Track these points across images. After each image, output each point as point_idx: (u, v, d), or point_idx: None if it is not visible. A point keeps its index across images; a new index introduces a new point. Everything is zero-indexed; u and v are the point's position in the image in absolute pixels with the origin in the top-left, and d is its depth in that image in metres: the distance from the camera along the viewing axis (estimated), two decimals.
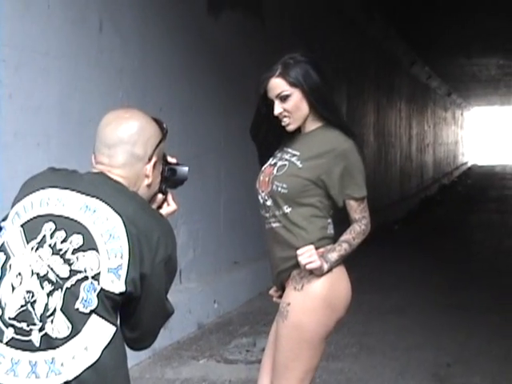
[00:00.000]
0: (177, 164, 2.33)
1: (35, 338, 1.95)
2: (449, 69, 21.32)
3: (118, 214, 2.01)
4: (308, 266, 2.87)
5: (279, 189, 2.95)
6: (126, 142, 2.14)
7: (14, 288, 1.98)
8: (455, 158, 33.28)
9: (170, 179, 2.30)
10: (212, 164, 7.09)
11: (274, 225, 3.00)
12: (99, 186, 2.07)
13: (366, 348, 5.89)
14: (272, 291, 3.19)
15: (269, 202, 3.00)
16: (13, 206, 2.13)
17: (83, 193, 2.05)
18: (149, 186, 2.19)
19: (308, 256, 2.87)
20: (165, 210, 2.30)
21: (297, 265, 2.94)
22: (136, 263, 1.99)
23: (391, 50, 16.35)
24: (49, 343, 1.94)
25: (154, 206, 2.27)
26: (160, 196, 2.28)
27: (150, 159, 2.17)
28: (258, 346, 5.71)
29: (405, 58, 18.04)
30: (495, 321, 6.66)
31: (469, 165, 38.74)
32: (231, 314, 6.99)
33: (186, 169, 2.33)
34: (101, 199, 2.03)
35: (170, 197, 2.32)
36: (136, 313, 2.07)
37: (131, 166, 2.14)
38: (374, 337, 6.22)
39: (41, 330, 1.95)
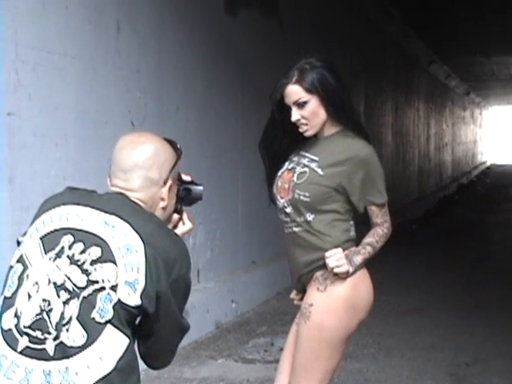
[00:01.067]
0: (191, 182, 2.34)
1: (50, 346, 1.94)
2: (468, 68, 21.21)
3: (137, 232, 2.03)
4: (336, 270, 2.88)
5: (301, 197, 2.93)
6: (141, 166, 2.15)
7: (30, 296, 1.99)
8: (474, 158, 33.11)
9: (185, 199, 2.31)
10: (229, 164, 7.09)
11: (295, 229, 2.98)
12: (118, 205, 2.09)
13: (384, 348, 5.88)
14: (293, 295, 3.17)
15: (289, 209, 2.98)
16: (32, 222, 2.14)
17: (102, 210, 2.07)
18: (164, 208, 2.21)
19: (336, 259, 2.88)
20: (180, 230, 2.31)
21: (320, 267, 2.94)
22: (153, 281, 2.00)
23: (409, 49, 16.29)
24: (64, 352, 1.94)
25: (170, 226, 2.28)
26: (175, 216, 2.30)
27: (165, 183, 2.18)
28: (276, 346, 5.72)
29: (423, 56, 17.97)
30: None
31: (488, 164, 38.51)
32: (249, 314, 6.99)
33: (200, 188, 2.34)
34: (120, 217, 2.05)
35: (185, 216, 2.33)
36: (154, 332, 2.09)
37: (147, 189, 2.16)
38: (392, 337, 6.20)
39: (55, 338, 1.95)
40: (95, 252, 2.00)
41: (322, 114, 2.96)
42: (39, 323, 1.96)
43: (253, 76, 7.50)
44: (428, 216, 15.78)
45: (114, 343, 1.95)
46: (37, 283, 2.00)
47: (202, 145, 6.44)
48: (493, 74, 22.68)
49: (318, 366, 2.95)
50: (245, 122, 7.29)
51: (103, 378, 1.93)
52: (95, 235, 2.02)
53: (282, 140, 3.09)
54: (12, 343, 1.97)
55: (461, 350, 5.80)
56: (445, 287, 8.13)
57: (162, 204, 2.19)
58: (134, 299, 1.97)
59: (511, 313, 6.90)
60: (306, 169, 2.97)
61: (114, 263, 1.99)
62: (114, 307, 1.96)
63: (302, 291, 3.08)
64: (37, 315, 1.97)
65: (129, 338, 1.99)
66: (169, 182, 2.19)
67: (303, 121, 2.96)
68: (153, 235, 2.05)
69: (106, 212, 2.06)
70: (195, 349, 5.78)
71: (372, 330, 6.07)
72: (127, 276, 1.98)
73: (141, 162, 2.15)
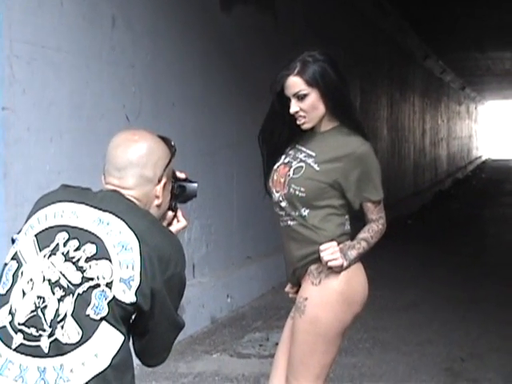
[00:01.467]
0: (186, 180, 2.34)
1: (44, 343, 1.94)
2: (463, 62, 21.22)
3: (131, 229, 2.03)
4: (330, 264, 2.89)
5: (297, 192, 2.93)
6: (135, 164, 2.15)
7: (24, 294, 1.99)
8: (469, 152, 33.14)
9: (179, 196, 2.32)
10: (225, 159, 7.09)
11: (290, 223, 2.99)
12: (112, 203, 2.09)
13: (379, 343, 5.89)
14: (288, 288, 3.18)
15: (284, 204, 2.98)
16: (26, 220, 2.14)
17: (97, 207, 2.07)
18: (159, 205, 2.21)
19: (330, 253, 2.88)
20: (175, 227, 2.32)
21: (315, 260, 2.94)
22: (147, 278, 2.00)
23: (404, 44, 16.29)
24: (58, 349, 1.94)
25: (165, 223, 2.29)
26: (170, 213, 2.31)
27: (159, 180, 2.19)
28: (271, 341, 5.73)
29: (418, 51, 17.97)
30: (510, 316, 6.63)
31: (483, 159, 38.56)
32: (244, 309, 7.00)
33: (195, 185, 2.35)
34: (114, 214, 2.05)
35: (179, 213, 2.34)
36: (149, 329, 2.09)
37: (141, 187, 2.16)
38: (387, 332, 6.21)
39: (50, 335, 1.95)
40: (90, 249, 2.00)
41: (321, 108, 2.96)
42: (34, 320, 1.96)
43: (247, 72, 7.49)
44: (423, 211, 15.80)
45: (108, 340, 1.95)
46: (31, 280, 1.99)
47: (198, 140, 6.44)
48: (488, 69, 22.70)
49: (313, 360, 2.96)
50: (240, 117, 7.28)
51: (98, 374, 1.93)
52: (90, 232, 2.02)
53: (281, 132, 3.09)
54: (6, 340, 1.97)
55: (456, 346, 5.81)
56: (440, 283, 8.14)
57: (157, 201, 2.19)
58: (128, 296, 1.97)
59: (506, 308, 6.92)
60: (302, 164, 2.97)
61: (109, 260, 1.99)
62: (108, 304, 1.96)
63: (297, 284, 3.09)
64: (31, 312, 1.96)
65: (124, 335, 1.99)
66: (163, 180, 2.19)
67: (302, 113, 2.96)
68: (147, 232, 2.05)
69: (100, 209, 2.06)
70: (190, 344, 5.78)
71: (367, 325, 6.08)
72: (122, 273, 1.98)
73: (135, 160, 2.15)
